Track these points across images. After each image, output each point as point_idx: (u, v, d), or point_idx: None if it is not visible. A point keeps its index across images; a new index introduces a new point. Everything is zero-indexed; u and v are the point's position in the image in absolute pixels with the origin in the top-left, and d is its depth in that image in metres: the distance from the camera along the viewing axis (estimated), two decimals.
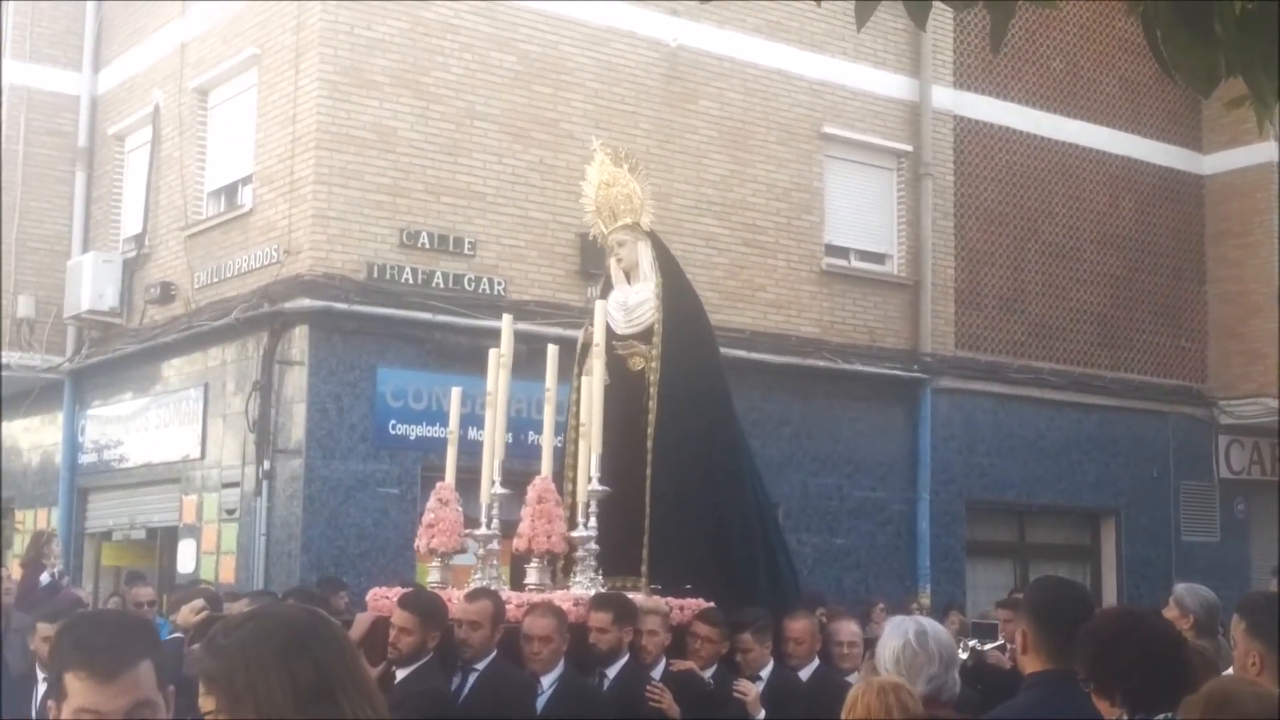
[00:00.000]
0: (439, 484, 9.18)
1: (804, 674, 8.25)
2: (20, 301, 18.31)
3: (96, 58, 19.07)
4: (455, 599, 7.82)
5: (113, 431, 17.74)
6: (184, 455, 16.09)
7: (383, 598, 8.33)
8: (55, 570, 14.02)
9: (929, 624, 5.03)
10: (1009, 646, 11.40)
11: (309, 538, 14.07)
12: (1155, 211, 20.25)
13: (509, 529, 8.77)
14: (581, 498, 8.48)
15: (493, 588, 8.17)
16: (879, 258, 18.19)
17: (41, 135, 18.92)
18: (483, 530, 8.84)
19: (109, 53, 18.96)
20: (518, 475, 8.99)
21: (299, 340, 14.50)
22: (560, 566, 8.67)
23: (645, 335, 9.30)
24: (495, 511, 8.86)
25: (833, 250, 17.67)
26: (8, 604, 11.50)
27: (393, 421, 14.54)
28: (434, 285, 14.76)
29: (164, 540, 16.83)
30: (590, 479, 8.37)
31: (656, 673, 7.72)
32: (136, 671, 2.89)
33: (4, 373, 18.49)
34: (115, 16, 18.92)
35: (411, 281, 14.69)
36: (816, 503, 17.05)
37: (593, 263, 14.26)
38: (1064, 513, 19.51)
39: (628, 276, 9.61)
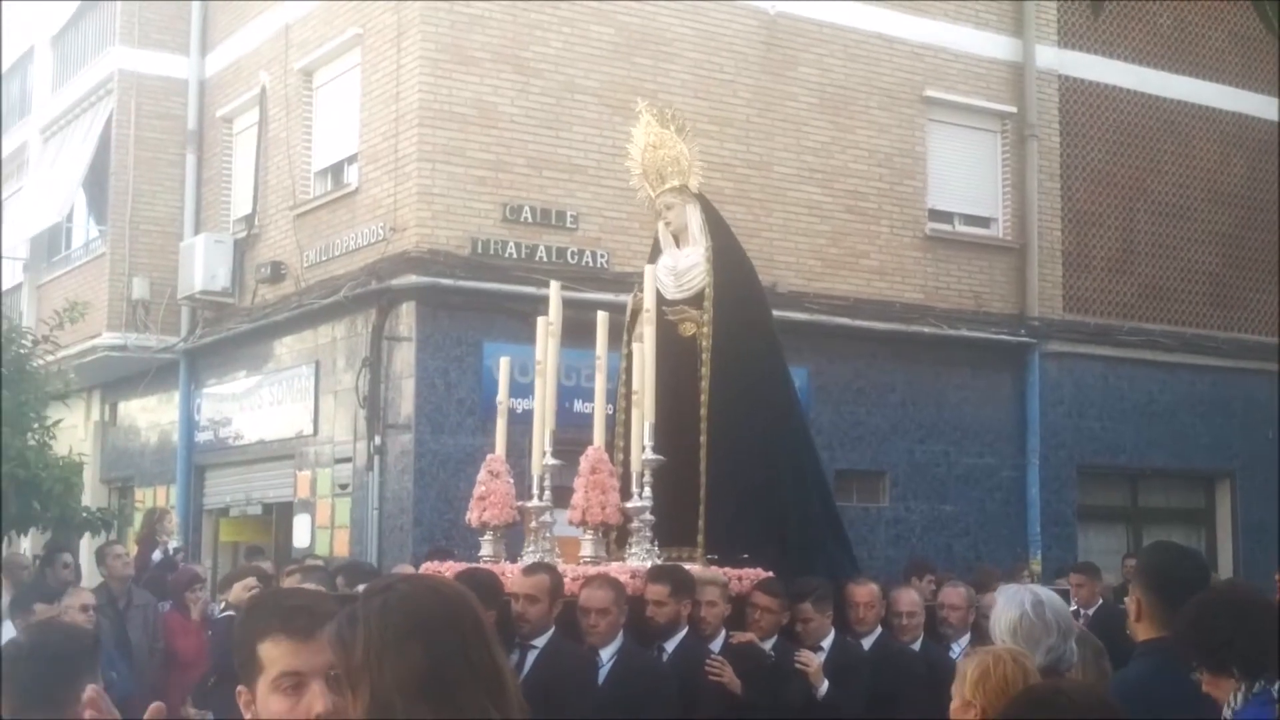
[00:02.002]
0: (489, 456, 9.05)
1: (866, 643, 8.07)
2: (135, 283, 18.71)
3: (203, 42, 19.37)
4: (510, 573, 7.67)
5: (227, 409, 18.07)
6: (297, 432, 16.35)
7: (436, 573, 8.04)
8: (169, 547, 14.32)
9: (1045, 593, 4.95)
10: (1083, 612, 11.28)
11: (420, 511, 14.25)
12: (1267, 167, 19.79)
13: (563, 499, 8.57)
14: (635, 467, 8.22)
15: (548, 561, 8.02)
16: (984, 221, 17.99)
17: (151, 119, 19.28)
18: (535, 502, 8.64)
19: (215, 36, 19.25)
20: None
21: (406, 316, 14.66)
22: (614, 538, 8.46)
23: (696, 300, 9.03)
24: (547, 483, 8.67)
25: (936, 215, 17.50)
26: (129, 580, 11.80)
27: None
28: (537, 259, 14.85)
29: (279, 515, 17.12)
30: (644, 448, 8.13)
31: (716, 645, 7.51)
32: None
33: (121, 354, 18.92)
34: (220, 1, 19.21)
35: (515, 256, 14.78)
36: (924, 470, 16.95)
37: None
38: (1177, 476, 19.21)
39: (676, 240, 9.36)
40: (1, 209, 22.70)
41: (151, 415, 20.24)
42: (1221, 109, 19.50)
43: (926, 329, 16.96)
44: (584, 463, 8.24)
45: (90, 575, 14.35)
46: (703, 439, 8.71)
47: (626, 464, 8.51)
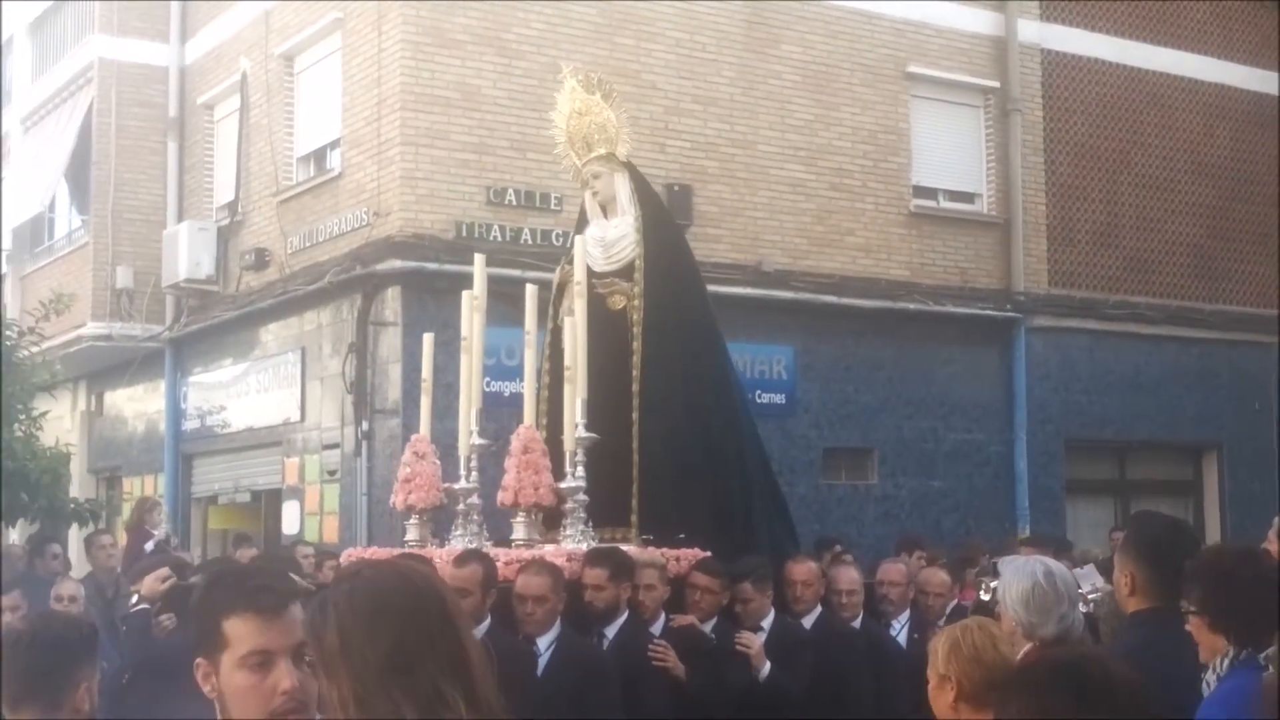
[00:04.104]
0: (414, 437, 8.81)
1: (807, 622, 7.89)
2: (119, 272, 18.64)
3: (183, 29, 19.28)
4: (439, 558, 7.37)
5: (214, 397, 18.03)
6: (284, 418, 16.33)
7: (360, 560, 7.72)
8: (160, 537, 14.30)
9: (1053, 564, 4.99)
10: None
11: None
12: (1250, 138, 19.83)
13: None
14: (569, 446, 7.93)
15: (475, 545, 7.77)
16: (968, 197, 17.99)
17: (132, 107, 19.19)
18: (462, 484, 8.40)
19: (195, 23, 19.15)
20: None
21: (391, 301, 14.63)
22: (542, 519, 8.15)
23: (626, 272, 8.79)
24: (474, 464, 8.42)
25: (921, 191, 17.50)
26: (116, 570, 11.78)
27: (486, 379, 14.53)
28: (522, 242, 14.81)
29: (268, 502, 17.11)
30: (577, 425, 7.87)
31: (656, 628, 7.29)
32: (296, 609, 2.83)
33: (106, 344, 18.86)
34: None
35: (500, 239, 14.74)
36: (912, 446, 16.97)
37: (681, 213, 14.23)
38: (1164, 448, 19.27)
39: (604, 211, 9.08)
40: None
41: (138, 404, 20.19)
42: (1204, 80, 19.52)
43: (912, 305, 16.97)
44: (515, 442, 8.00)
45: (80, 566, 14.32)
46: (635, 415, 8.47)
47: (553, 442, 8.24)
